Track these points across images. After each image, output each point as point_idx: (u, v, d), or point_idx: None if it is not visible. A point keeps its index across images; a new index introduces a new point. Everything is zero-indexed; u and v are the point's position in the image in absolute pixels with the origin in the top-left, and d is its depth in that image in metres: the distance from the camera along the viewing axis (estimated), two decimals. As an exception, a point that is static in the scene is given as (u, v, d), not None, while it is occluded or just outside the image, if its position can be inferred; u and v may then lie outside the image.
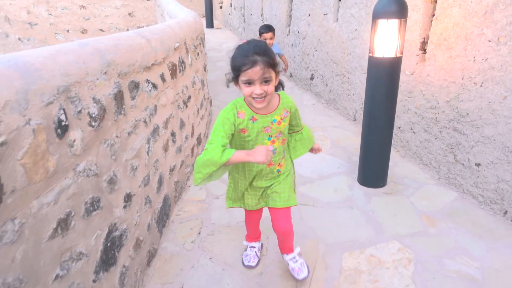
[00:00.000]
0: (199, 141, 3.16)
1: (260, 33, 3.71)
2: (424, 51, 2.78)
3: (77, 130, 1.26)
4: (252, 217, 1.86)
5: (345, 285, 1.77)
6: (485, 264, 1.90)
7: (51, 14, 7.35)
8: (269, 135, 1.56)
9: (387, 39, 2.29)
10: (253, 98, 1.39)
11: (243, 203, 1.75)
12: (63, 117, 1.18)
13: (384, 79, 2.41)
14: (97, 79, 1.42)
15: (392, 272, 1.85)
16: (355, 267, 1.89)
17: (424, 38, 2.78)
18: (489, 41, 2.20)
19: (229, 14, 11.17)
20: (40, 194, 1.09)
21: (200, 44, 3.42)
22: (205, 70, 3.86)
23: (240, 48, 1.41)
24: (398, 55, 2.34)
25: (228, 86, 1.54)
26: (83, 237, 1.31)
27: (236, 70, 1.38)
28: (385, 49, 2.32)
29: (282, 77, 5.58)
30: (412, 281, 1.80)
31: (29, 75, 1.07)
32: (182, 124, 2.61)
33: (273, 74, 1.39)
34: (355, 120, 3.90)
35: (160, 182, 2.14)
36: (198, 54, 3.27)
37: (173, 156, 2.41)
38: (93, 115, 1.37)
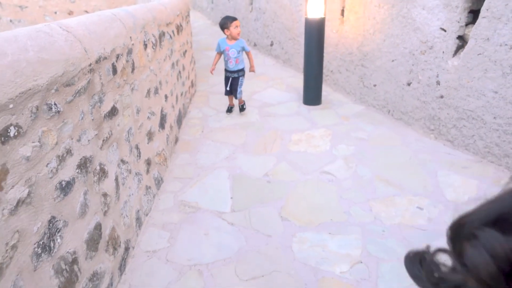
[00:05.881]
0: (192, 84, 4.39)
1: (228, 24, 3.47)
2: (343, 15, 4.15)
3: (149, 48, 2.49)
4: None
5: (292, 144, 3.12)
6: (371, 134, 3.32)
7: (38, -2, 8.09)
8: None
9: (316, 5, 3.61)
10: None
11: None
12: (145, 40, 2.41)
13: (315, 33, 3.74)
14: (151, 25, 2.63)
15: (319, 139, 3.23)
16: (298, 138, 3.25)
17: (343, 7, 4.13)
18: (375, 6, 3.58)
19: (196, -3, 12.15)
20: (141, 73, 2.32)
21: (188, 15, 4.61)
22: (191, 36, 5.05)
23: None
24: (323, 16, 3.67)
25: None
26: (154, 105, 2.55)
27: None
28: (314, 12, 3.64)
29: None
30: (329, 142, 3.18)
31: (132, 17, 2.29)
32: (183, 68, 3.84)
33: None
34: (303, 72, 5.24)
35: (177, 98, 3.38)
36: (187, 22, 4.47)
37: (180, 86, 3.64)
38: (153, 42, 2.59)
